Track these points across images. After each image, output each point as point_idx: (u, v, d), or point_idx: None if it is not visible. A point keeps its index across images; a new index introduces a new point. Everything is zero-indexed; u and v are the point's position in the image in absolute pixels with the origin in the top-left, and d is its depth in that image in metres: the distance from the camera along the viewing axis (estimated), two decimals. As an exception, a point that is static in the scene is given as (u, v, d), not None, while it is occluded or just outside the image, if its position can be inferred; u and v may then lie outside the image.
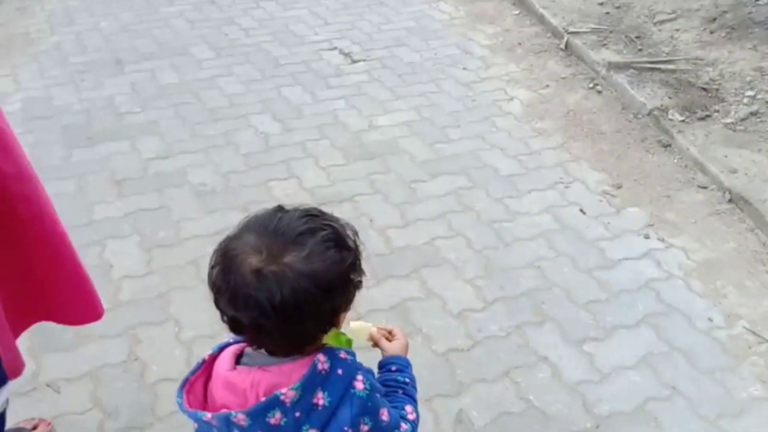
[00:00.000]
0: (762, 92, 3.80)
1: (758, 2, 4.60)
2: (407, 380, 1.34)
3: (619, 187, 3.34)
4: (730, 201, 3.21)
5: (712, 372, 2.41)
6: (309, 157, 3.52)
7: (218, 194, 3.24)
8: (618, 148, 3.61)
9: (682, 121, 3.69)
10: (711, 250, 2.97)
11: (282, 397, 1.08)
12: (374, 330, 1.39)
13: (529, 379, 2.37)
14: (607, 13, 4.85)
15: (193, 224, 3.05)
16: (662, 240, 3.01)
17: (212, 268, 1.10)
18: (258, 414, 1.08)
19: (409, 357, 1.40)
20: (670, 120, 3.70)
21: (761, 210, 3.08)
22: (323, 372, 1.11)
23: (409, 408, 1.30)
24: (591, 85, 4.15)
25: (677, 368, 2.42)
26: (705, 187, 3.32)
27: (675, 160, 3.51)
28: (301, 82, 4.21)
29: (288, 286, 1.02)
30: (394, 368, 1.35)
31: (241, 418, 1.09)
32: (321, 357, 1.11)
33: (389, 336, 1.42)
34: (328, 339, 1.16)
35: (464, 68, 4.42)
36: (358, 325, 1.36)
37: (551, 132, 3.78)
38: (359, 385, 1.14)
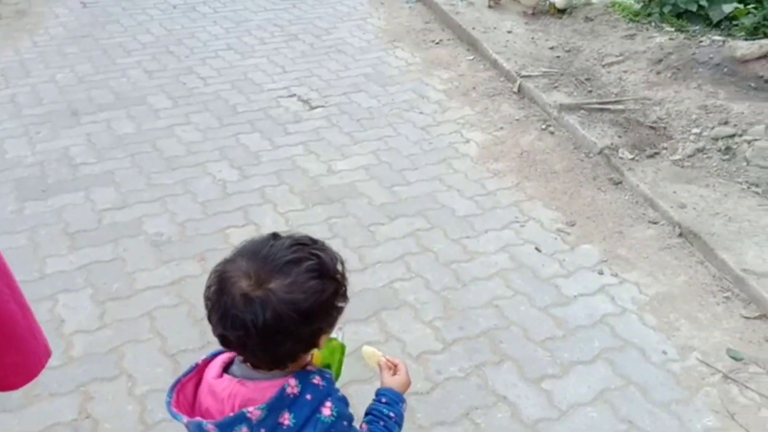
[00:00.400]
0: (707, 129, 3.94)
1: (701, 44, 4.80)
2: (392, 414, 1.40)
3: (573, 224, 3.41)
4: (680, 235, 3.29)
5: (667, 405, 2.44)
6: (267, 203, 3.52)
7: (174, 244, 3.22)
8: (571, 187, 3.69)
9: (632, 159, 3.79)
10: (663, 284, 3.03)
11: (248, 415, 1.17)
12: (383, 360, 1.50)
13: (489, 420, 2.37)
14: (558, 57, 5.00)
15: (147, 275, 3.02)
16: (616, 275, 3.07)
17: (208, 288, 1.20)
18: (226, 427, 1.18)
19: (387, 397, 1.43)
20: (621, 158, 3.80)
21: (710, 243, 3.16)
22: (291, 395, 1.20)
23: None
24: (544, 126, 4.25)
25: (633, 402, 2.44)
26: (656, 223, 3.40)
27: (626, 197, 3.59)
28: (260, 129, 4.24)
29: (270, 310, 1.13)
30: (384, 400, 1.42)
31: (210, 428, 1.19)
32: (292, 381, 1.20)
33: (394, 369, 1.49)
34: (322, 345, 1.26)
35: (421, 112, 4.50)
36: (370, 351, 1.51)
37: (506, 172, 3.85)
38: (326, 411, 1.21)
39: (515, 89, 4.70)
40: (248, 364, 1.24)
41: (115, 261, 3.11)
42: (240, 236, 3.26)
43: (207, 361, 1.32)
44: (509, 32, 5.44)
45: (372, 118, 4.43)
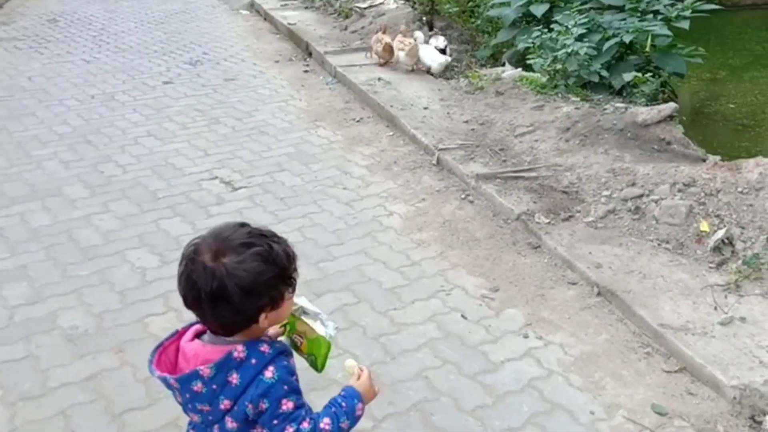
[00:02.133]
0: (617, 191, 4.13)
1: (605, 111, 5.09)
2: (344, 404, 1.62)
3: (497, 290, 3.47)
4: (598, 294, 3.39)
5: (598, 465, 2.44)
6: (189, 289, 3.44)
7: (90, 336, 3.09)
8: (492, 253, 3.77)
9: (548, 223, 3.92)
10: (586, 344, 3.09)
11: (201, 372, 1.46)
12: (356, 369, 1.73)
13: (422, 497, 2.31)
14: (473, 129, 5.20)
15: (62, 371, 2.87)
16: (540, 338, 3.12)
17: (182, 257, 1.49)
18: (184, 381, 1.47)
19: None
20: (537, 223, 3.93)
21: (627, 301, 3.26)
22: (238, 359, 1.47)
23: (326, 420, 1.56)
24: (463, 196, 4.37)
25: (565, 466, 2.44)
26: (575, 284, 3.49)
27: (545, 260, 3.69)
28: (181, 213, 4.19)
29: (218, 280, 1.42)
30: (342, 393, 1.66)
31: (173, 382, 1.49)
32: (239, 347, 1.48)
33: (360, 374, 1.72)
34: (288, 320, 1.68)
35: (344, 188, 4.55)
36: (351, 363, 1.76)
37: (430, 242, 3.91)
38: (268, 373, 1.48)
39: (434, 162, 4.83)
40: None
41: (28, 359, 2.96)
42: (160, 324, 3.17)
43: (185, 329, 1.58)
44: (425, 108, 5.64)
45: (296, 195, 4.46)
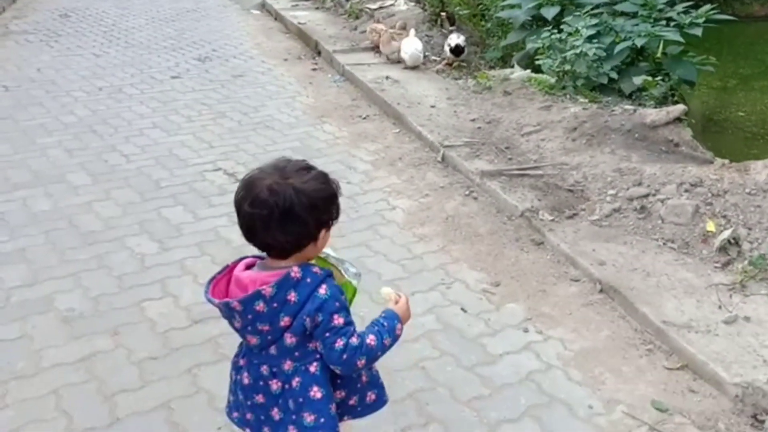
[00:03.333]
0: (622, 190, 4.08)
1: (613, 112, 5.04)
2: (385, 324, 1.77)
3: (498, 284, 3.42)
4: (601, 291, 3.34)
5: (595, 459, 2.39)
6: (187, 275, 3.42)
7: (86, 319, 3.07)
8: (495, 249, 3.73)
9: (552, 220, 3.88)
10: (587, 339, 3.03)
11: (263, 291, 1.60)
12: (393, 296, 1.88)
13: (415, 485, 2.27)
14: (479, 128, 5.17)
15: (55, 352, 2.85)
16: (540, 332, 3.07)
17: (238, 191, 1.64)
18: (247, 302, 1.62)
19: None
20: (541, 220, 3.88)
21: (630, 298, 3.21)
22: (295, 278, 1.62)
23: (371, 336, 1.71)
24: (467, 193, 4.33)
25: (561, 458, 2.39)
26: (577, 280, 3.44)
27: (548, 257, 3.65)
28: (183, 203, 4.17)
29: (288, 197, 1.58)
30: (383, 314, 1.81)
31: (236, 305, 1.63)
32: (295, 268, 1.63)
33: (398, 300, 1.87)
34: (318, 263, 1.75)
35: (348, 182, 4.52)
36: (388, 290, 1.90)
37: (432, 237, 3.87)
38: (322, 290, 1.64)
39: (439, 158, 4.80)
40: (265, 261, 1.69)
41: (22, 339, 2.94)
42: (157, 309, 3.15)
43: (235, 263, 1.73)
44: (432, 107, 5.61)
45: (299, 189, 4.42)
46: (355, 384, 1.91)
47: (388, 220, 4.07)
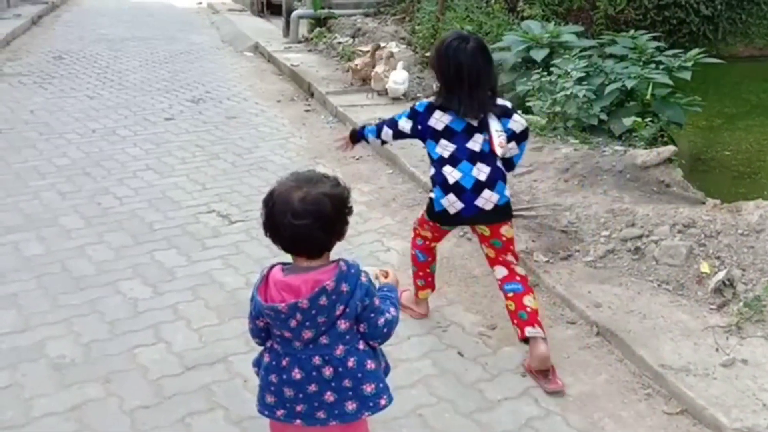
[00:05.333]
0: (616, 231, 4.10)
1: (604, 153, 5.10)
2: (392, 295, 2.06)
3: (494, 327, 3.40)
4: (597, 334, 3.33)
5: None
6: (180, 320, 3.38)
7: (78, 366, 3.02)
8: (490, 291, 3.71)
9: (547, 261, 3.88)
10: (585, 384, 3.01)
11: (326, 287, 1.82)
12: (376, 271, 2.16)
13: None
14: (472, 168, 5.19)
15: (46, 401, 2.80)
16: (538, 377, 3.04)
17: (266, 207, 1.86)
18: (314, 298, 1.82)
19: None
20: (536, 261, 3.88)
21: (627, 340, 3.20)
22: (345, 271, 1.86)
23: (392, 309, 2.00)
24: (461, 233, 4.33)
25: (563, 508, 2.34)
26: (573, 323, 3.43)
27: (543, 299, 3.64)
28: (176, 245, 4.15)
29: (325, 202, 1.80)
30: (386, 288, 2.08)
31: (304, 303, 1.82)
32: (342, 264, 1.87)
33: (386, 274, 2.16)
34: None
35: (342, 224, 4.51)
36: (374, 270, 2.13)
37: (427, 280, 3.85)
38: (363, 279, 1.90)
39: (433, 200, 4.81)
40: (299, 264, 1.88)
41: (12, 387, 2.89)
42: (149, 355, 3.10)
43: (268, 272, 1.91)
44: (425, 148, 5.63)
45: (293, 231, 4.41)
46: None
47: (383, 261, 4.06)
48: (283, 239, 1.86)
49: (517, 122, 3.06)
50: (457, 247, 4.19)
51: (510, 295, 3.10)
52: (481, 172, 2.97)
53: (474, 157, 2.97)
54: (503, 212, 3.07)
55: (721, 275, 3.53)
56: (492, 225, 3.09)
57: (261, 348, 2.07)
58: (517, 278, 3.14)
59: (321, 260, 1.88)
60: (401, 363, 3.12)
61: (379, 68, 7.23)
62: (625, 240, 3.99)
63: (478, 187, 2.96)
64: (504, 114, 3.02)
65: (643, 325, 3.30)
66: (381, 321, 1.94)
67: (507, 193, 3.06)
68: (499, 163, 3.03)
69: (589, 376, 3.06)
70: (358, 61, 7.67)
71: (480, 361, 3.15)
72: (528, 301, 3.06)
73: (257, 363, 2.08)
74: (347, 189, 1.90)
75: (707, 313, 3.38)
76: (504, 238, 3.14)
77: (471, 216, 3.04)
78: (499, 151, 2.96)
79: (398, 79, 6.98)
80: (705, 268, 3.64)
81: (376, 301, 1.93)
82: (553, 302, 3.60)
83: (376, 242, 4.29)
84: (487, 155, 2.98)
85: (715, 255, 3.71)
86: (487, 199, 2.97)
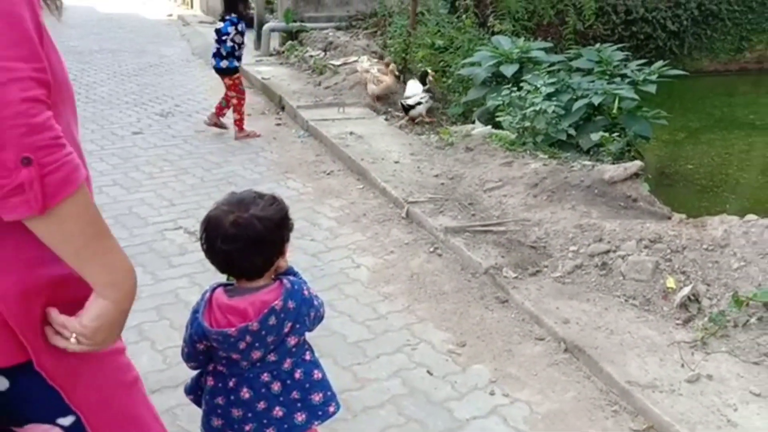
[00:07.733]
0: (584, 246, 4.13)
1: (573, 168, 5.15)
2: (301, 280, 2.01)
3: (463, 345, 3.40)
4: (566, 351, 3.34)
5: None
6: (144, 341, 3.32)
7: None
8: (460, 307, 3.71)
9: (516, 277, 3.89)
10: (553, 401, 3.01)
11: (276, 307, 1.83)
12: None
13: None
14: (442, 183, 5.22)
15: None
16: (507, 395, 3.03)
17: (202, 232, 1.86)
18: (264, 320, 1.82)
19: None
20: (505, 277, 3.89)
21: (594, 357, 3.21)
22: (289, 289, 1.87)
23: (307, 289, 1.97)
24: (432, 249, 4.33)
25: None
26: (542, 339, 3.44)
27: (512, 315, 3.64)
28: (142, 264, 4.08)
29: (254, 226, 1.78)
30: (289, 269, 2.02)
31: (254, 326, 1.81)
32: (285, 282, 1.88)
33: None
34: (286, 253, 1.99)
35: (312, 239, 4.49)
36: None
37: (397, 295, 3.84)
38: (306, 292, 1.92)
39: (403, 215, 4.81)
40: (240, 286, 1.88)
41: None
42: (113, 377, 3.02)
43: (210, 296, 1.89)
44: (396, 162, 5.66)
45: (262, 248, 4.37)
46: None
47: (353, 278, 4.04)
48: (219, 263, 1.86)
49: None
50: (427, 263, 4.18)
51: None
52: None
53: None
54: None
55: (686, 290, 3.57)
56: None
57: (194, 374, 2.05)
58: None
59: (263, 280, 1.89)
60: (370, 383, 3.10)
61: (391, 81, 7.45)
62: (592, 255, 4.02)
63: None
64: None
65: (611, 341, 3.32)
66: (314, 316, 1.97)
67: None
68: None
69: (557, 394, 3.06)
70: (377, 89, 7.54)
71: (449, 380, 3.14)
72: None
73: (191, 389, 2.06)
74: (284, 207, 1.89)
75: (673, 329, 3.42)
76: None
77: None
78: None
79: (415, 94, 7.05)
80: (671, 283, 3.68)
81: (315, 301, 1.97)
82: (522, 318, 3.61)
83: (345, 258, 4.26)
84: None
85: (680, 270, 3.76)
86: None
